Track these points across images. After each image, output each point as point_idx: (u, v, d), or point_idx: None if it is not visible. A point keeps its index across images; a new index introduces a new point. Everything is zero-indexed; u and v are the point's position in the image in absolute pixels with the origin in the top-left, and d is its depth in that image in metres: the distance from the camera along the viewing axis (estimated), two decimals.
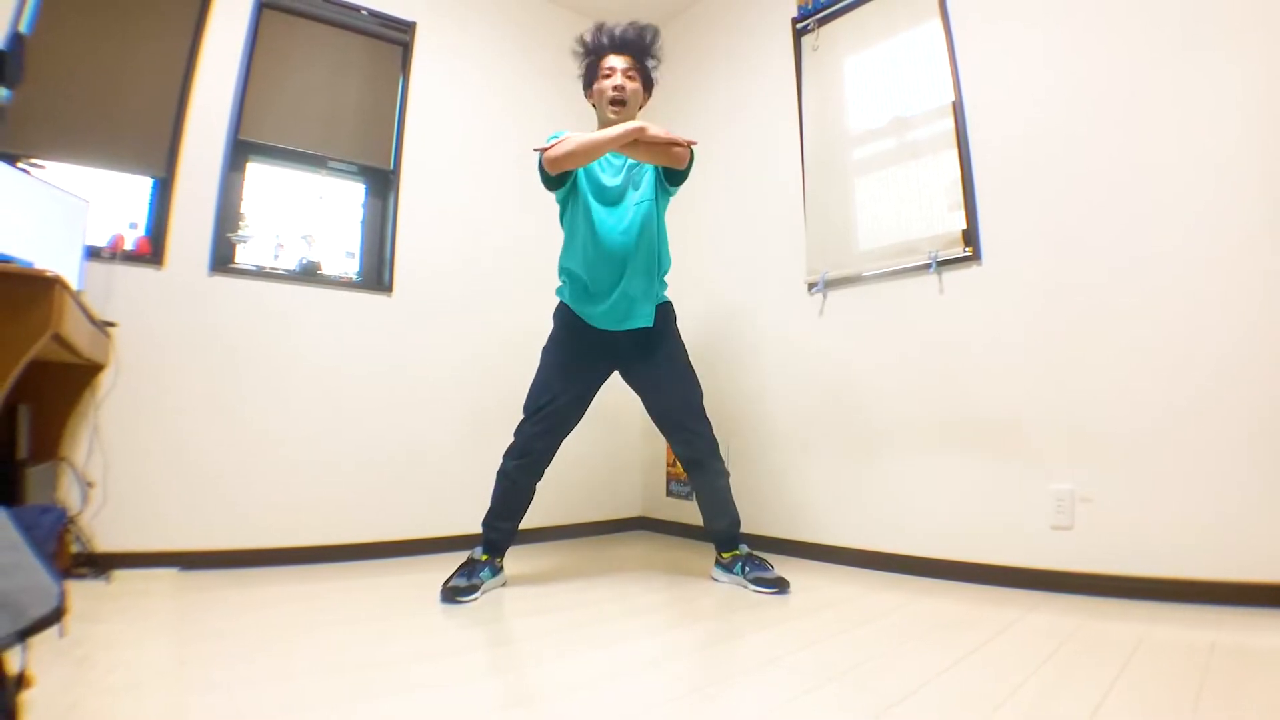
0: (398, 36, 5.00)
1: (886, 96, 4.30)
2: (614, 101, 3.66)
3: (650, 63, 3.78)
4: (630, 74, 3.69)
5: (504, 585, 3.58)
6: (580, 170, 3.61)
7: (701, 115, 5.50)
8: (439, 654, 2.56)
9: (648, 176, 3.66)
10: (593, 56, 3.77)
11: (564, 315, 3.71)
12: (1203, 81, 3.14)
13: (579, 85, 3.88)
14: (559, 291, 3.74)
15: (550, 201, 3.82)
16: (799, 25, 4.88)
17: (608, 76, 3.69)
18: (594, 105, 3.79)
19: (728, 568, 3.67)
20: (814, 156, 4.64)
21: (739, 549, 3.70)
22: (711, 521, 3.75)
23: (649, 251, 3.62)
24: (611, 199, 3.62)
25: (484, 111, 5.31)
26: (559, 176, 3.53)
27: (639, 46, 3.73)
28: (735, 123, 5.30)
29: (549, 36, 5.69)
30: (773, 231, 4.90)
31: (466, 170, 5.15)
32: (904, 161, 4.15)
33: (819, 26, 4.73)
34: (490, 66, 5.40)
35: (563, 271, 3.70)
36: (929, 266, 3.91)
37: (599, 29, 3.77)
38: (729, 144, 5.31)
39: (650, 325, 3.62)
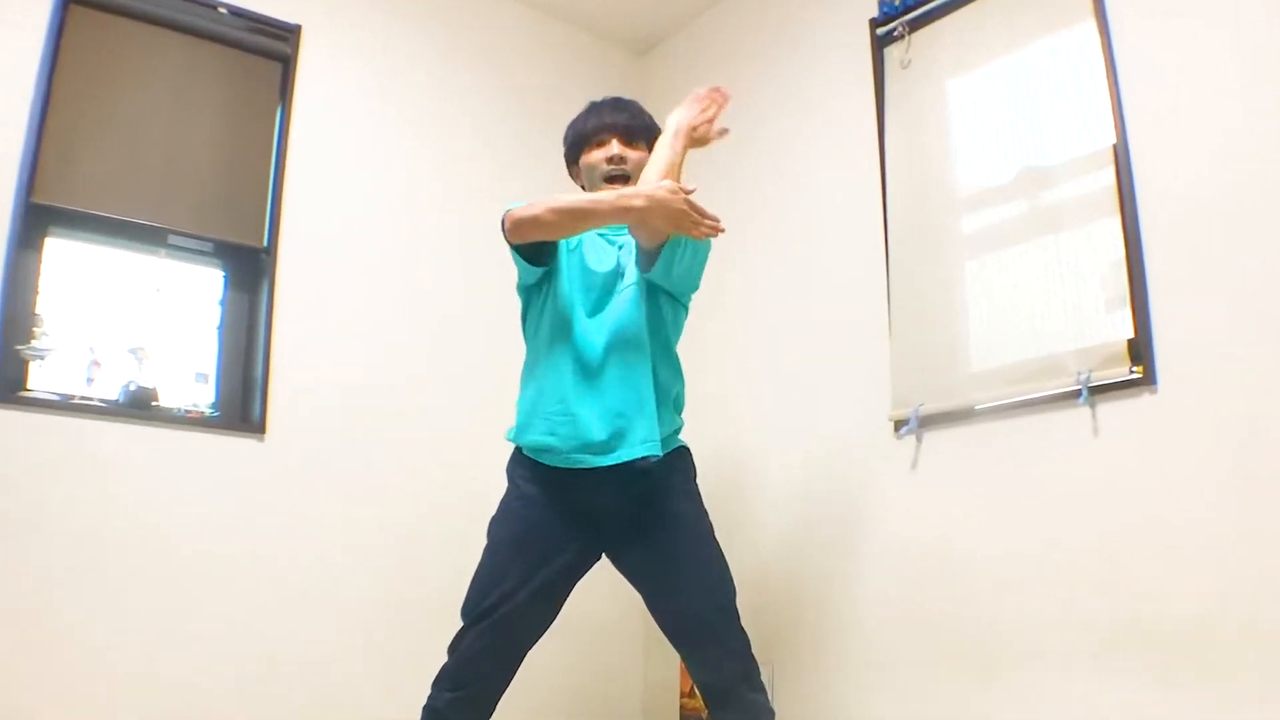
0: (274, 47, 4.74)
1: (1012, 136, 4.04)
2: (611, 178, 3.58)
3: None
4: (632, 142, 3.66)
5: None
6: (563, 247, 3.55)
7: (732, 171, 5.23)
8: None
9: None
10: (577, 134, 3.71)
11: (523, 467, 3.50)
12: None
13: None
14: (512, 434, 3.54)
15: (509, 289, 3.69)
16: (880, 30, 4.60)
17: (600, 146, 3.64)
18: (582, 187, 3.72)
19: None
20: (903, 227, 4.42)
21: None
22: None
23: (645, 355, 3.50)
24: (597, 289, 3.54)
25: (405, 158, 5.14)
26: (532, 252, 3.43)
27: (634, 120, 3.72)
28: (782, 180, 5.10)
29: (501, 41, 5.64)
30: (840, 340, 4.66)
31: (378, 248, 4.94)
32: (1039, 235, 3.92)
33: (910, 32, 4.49)
34: (414, 89, 5.26)
35: (522, 398, 3.53)
36: (1077, 395, 3.68)
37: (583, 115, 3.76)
38: (773, 204, 5.11)
39: (655, 456, 3.34)
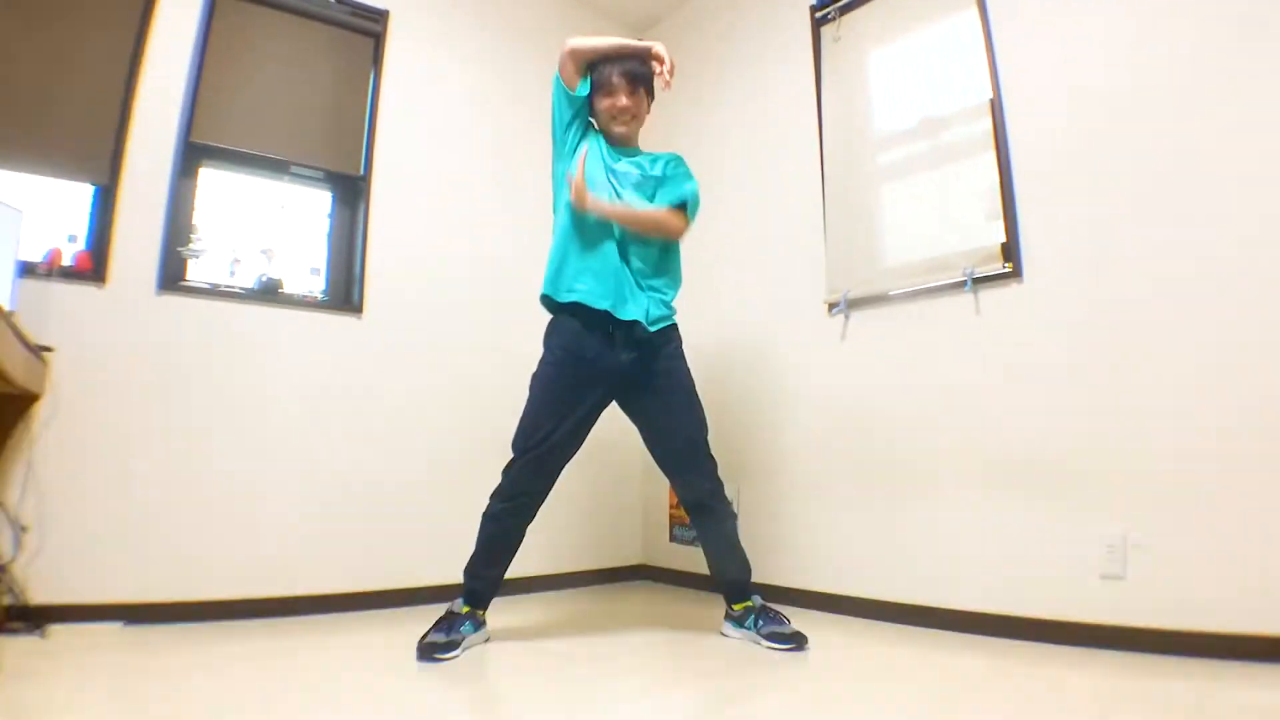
0: (368, 27, 4.99)
1: (916, 94, 4.32)
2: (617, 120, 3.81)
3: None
4: (633, 89, 3.77)
5: (487, 641, 3.55)
6: (594, 136, 3.77)
7: (710, 116, 5.53)
8: (414, 719, 2.56)
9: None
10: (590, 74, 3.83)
11: (556, 334, 3.63)
12: (1267, 76, 3.10)
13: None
14: (545, 296, 3.64)
15: (539, 212, 3.87)
16: (819, 14, 4.89)
17: (610, 94, 3.76)
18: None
19: (739, 621, 3.66)
20: (835, 161, 4.66)
21: (751, 600, 3.67)
22: (719, 571, 3.75)
23: (650, 241, 3.69)
24: (619, 177, 3.70)
25: (465, 114, 5.32)
26: (573, 96, 3.69)
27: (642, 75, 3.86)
28: (747, 125, 5.32)
29: (537, 26, 5.71)
30: (789, 246, 4.91)
31: (446, 177, 5.15)
32: (936, 166, 4.16)
33: (841, 15, 4.76)
34: (472, 61, 5.43)
35: (551, 262, 3.64)
36: (964, 284, 3.89)
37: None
38: (740, 148, 5.33)
39: (644, 321, 3.56)
